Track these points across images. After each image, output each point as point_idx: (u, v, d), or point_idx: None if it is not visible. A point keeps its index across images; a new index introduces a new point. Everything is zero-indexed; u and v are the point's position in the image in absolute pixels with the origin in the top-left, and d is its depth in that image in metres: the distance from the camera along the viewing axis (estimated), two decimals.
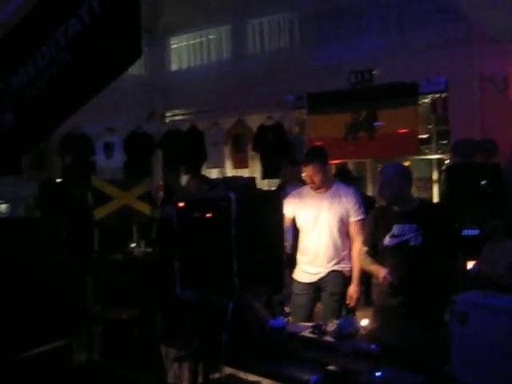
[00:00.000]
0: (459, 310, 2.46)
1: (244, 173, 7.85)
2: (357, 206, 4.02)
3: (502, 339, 2.33)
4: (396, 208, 3.44)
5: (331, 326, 2.99)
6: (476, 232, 5.90)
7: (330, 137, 7.23)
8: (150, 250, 6.78)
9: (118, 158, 8.32)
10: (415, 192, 10.89)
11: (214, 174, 8.05)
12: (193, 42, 8.45)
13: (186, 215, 3.40)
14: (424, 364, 2.56)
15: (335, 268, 3.93)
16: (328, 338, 2.91)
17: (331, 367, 2.60)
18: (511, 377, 2.30)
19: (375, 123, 6.92)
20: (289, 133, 7.46)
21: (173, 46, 8.77)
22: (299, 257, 4.10)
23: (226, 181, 3.42)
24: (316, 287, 4.05)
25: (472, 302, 2.47)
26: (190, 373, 3.46)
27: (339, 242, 4.02)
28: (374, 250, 3.51)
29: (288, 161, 7.01)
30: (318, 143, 7.29)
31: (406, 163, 10.42)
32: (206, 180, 5.64)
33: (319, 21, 7.27)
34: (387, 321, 3.14)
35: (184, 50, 8.65)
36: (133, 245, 6.96)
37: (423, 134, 8.93)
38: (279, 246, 3.35)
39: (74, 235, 6.88)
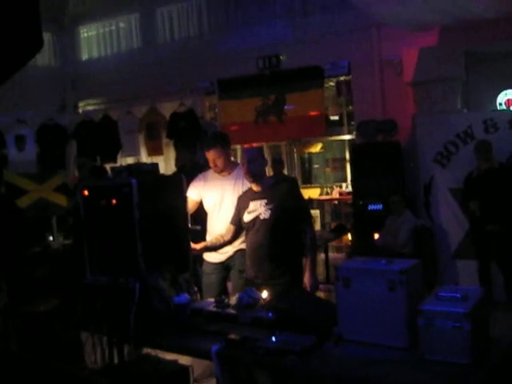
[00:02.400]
0: (342, 275, 2.70)
1: (159, 160, 7.92)
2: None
3: (380, 299, 2.59)
4: (253, 187, 3.78)
5: (233, 299, 3.17)
6: (379, 207, 6.28)
7: (242, 121, 7.44)
8: (68, 241, 6.74)
9: (31, 151, 8.17)
10: (330, 171, 11.36)
11: (129, 161, 8.06)
12: (102, 30, 8.38)
13: (91, 202, 3.48)
14: (315, 327, 2.79)
15: (242, 247, 4.08)
16: (230, 311, 3.09)
17: (231, 336, 2.79)
18: (387, 333, 2.57)
19: (284, 107, 7.15)
20: (201, 119, 7.58)
21: (82, 36, 8.66)
22: (208, 238, 4.24)
23: (129, 168, 3.51)
24: (225, 266, 4.21)
25: (353, 268, 2.72)
26: (105, 355, 3.57)
27: None
28: (242, 227, 3.85)
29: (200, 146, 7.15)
30: (230, 128, 7.49)
31: (320, 145, 10.83)
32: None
33: (227, 7, 7.42)
34: (279, 291, 3.37)
35: (94, 40, 8.57)
36: (51, 237, 6.90)
37: (334, 115, 9.32)
38: (183, 227, 3.50)
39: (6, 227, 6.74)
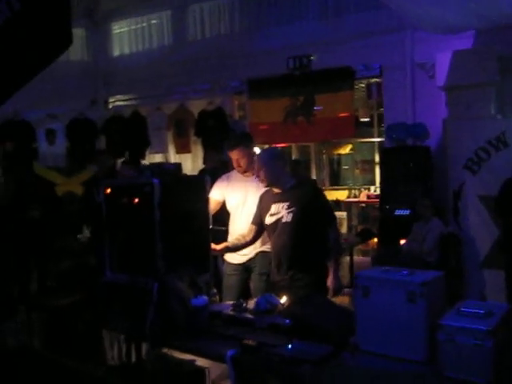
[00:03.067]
0: (361, 284, 2.65)
1: (187, 158, 7.95)
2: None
3: (399, 310, 2.53)
4: (274, 189, 3.75)
5: (251, 303, 3.15)
6: (407, 212, 6.16)
7: (271, 121, 7.39)
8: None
9: (61, 145, 8.28)
10: (359, 174, 11.27)
11: (157, 159, 8.10)
12: (134, 27, 8.43)
13: (112, 201, 3.50)
14: (332, 335, 2.74)
15: (263, 249, 4.07)
16: (247, 315, 3.06)
17: (247, 341, 2.76)
18: (405, 345, 2.50)
19: (313, 108, 7.09)
20: (230, 117, 7.56)
21: (115, 32, 8.73)
22: (229, 238, 4.22)
23: (152, 167, 3.52)
24: (245, 268, 4.19)
25: (373, 277, 2.66)
26: (124, 353, 3.59)
27: None
28: (262, 228, 3.83)
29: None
30: (259, 127, 7.46)
31: (349, 146, 10.73)
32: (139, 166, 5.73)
33: (259, 6, 7.37)
34: (298, 297, 3.32)
35: (126, 36, 8.62)
36: (78, 236, 6.98)
37: (364, 117, 9.22)
38: (204, 228, 3.49)
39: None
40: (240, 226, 4.14)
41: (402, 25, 6.34)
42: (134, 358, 3.50)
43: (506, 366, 2.33)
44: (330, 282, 3.60)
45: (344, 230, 9.49)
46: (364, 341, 2.64)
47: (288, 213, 3.62)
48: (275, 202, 3.71)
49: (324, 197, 3.90)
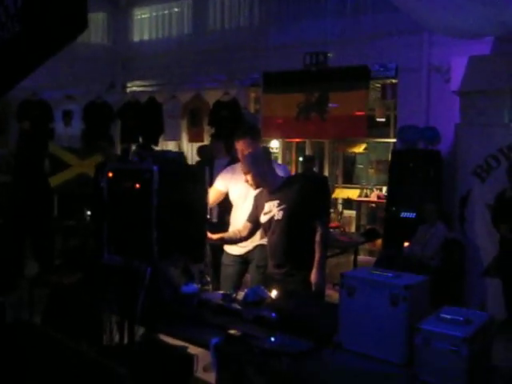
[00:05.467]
0: (347, 284, 2.67)
1: None
2: None
3: (382, 312, 2.55)
4: (267, 188, 3.77)
5: (241, 294, 3.19)
6: (412, 215, 6.16)
7: (284, 116, 7.41)
8: None
9: (77, 126, 8.39)
10: (373, 173, 11.23)
11: (170, 146, 8.17)
12: (155, 14, 8.48)
13: (114, 185, 3.55)
14: (316, 331, 2.78)
15: (262, 242, 4.09)
16: (235, 306, 3.11)
17: (232, 331, 2.80)
18: (385, 346, 2.53)
19: (327, 105, 7.09)
20: (244, 110, 7.59)
21: (136, 18, 8.79)
22: (230, 229, 4.26)
23: (154, 154, 3.56)
24: (244, 259, 4.23)
25: (359, 277, 2.68)
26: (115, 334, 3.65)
27: None
28: (258, 225, 3.86)
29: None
30: (272, 122, 7.49)
31: (363, 145, 10.71)
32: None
33: (278, 1, 7.38)
34: (280, 290, 3.36)
35: (147, 22, 8.68)
36: (88, 212, 7.08)
37: (381, 117, 9.19)
38: (201, 218, 3.51)
39: (30, 200, 6.98)
40: (241, 217, 4.15)
41: (419, 27, 6.30)
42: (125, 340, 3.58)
43: (481, 375, 2.34)
44: (312, 276, 3.61)
45: (353, 229, 9.52)
46: (346, 339, 2.67)
47: (279, 210, 3.65)
48: (267, 201, 3.74)
49: (316, 193, 3.91)
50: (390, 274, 2.65)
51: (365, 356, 2.57)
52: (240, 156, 4.17)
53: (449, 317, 2.39)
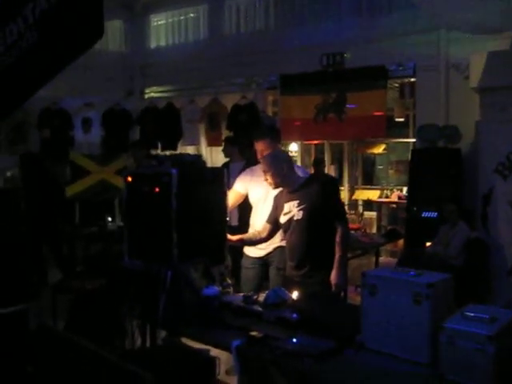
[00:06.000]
0: (369, 283, 2.65)
1: (218, 151, 8.00)
2: None
3: (405, 311, 2.52)
4: (286, 189, 3.78)
5: (262, 296, 3.18)
6: (434, 215, 6.09)
7: (302, 118, 7.39)
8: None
9: (96, 133, 8.46)
10: (393, 174, 11.13)
11: (189, 150, 8.19)
12: (171, 20, 8.53)
13: (133, 189, 3.57)
14: (338, 332, 2.76)
15: (282, 244, 4.08)
16: (256, 307, 3.10)
17: (253, 333, 2.79)
18: (409, 346, 2.49)
19: (345, 105, 7.05)
20: (262, 113, 7.59)
21: (153, 24, 8.85)
22: (250, 230, 4.25)
23: (173, 157, 3.57)
24: (263, 261, 4.22)
25: (380, 276, 2.66)
26: (136, 338, 3.66)
27: None
28: (278, 227, 3.87)
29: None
30: (290, 124, 7.47)
31: (383, 146, 10.63)
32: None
33: (293, 3, 7.37)
34: (307, 292, 3.34)
35: (163, 28, 8.74)
36: (110, 218, 7.13)
37: (400, 117, 9.12)
38: (221, 220, 3.52)
39: (49, 208, 7.06)
40: (261, 219, 4.15)
41: (436, 24, 6.24)
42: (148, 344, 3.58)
43: (509, 372, 2.30)
44: (332, 277, 3.59)
45: (374, 230, 9.45)
46: (369, 339, 2.64)
47: (299, 210, 3.65)
48: (287, 201, 3.74)
49: (335, 194, 3.87)
50: (412, 273, 2.63)
51: (388, 355, 2.55)
52: (259, 156, 4.17)
53: (473, 315, 2.36)
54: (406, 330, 2.51)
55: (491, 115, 5.90)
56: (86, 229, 7.17)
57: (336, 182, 4.60)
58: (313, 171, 8.26)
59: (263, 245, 4.11)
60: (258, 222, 4.15)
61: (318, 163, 7.85)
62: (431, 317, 2.44)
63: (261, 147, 4.12)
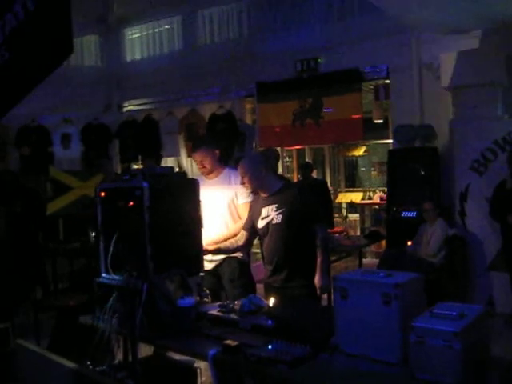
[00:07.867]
0: (340, 286, 2.67)
1: None
2: (244, 189, 3.98)
3: (375, 312, 2.55)
4: (263, 193, 3.77)
5: (237, 304, 3.19)
6: (413, 214, 6.14)
7: (280, 124, 7.44)
8: None
9: (76, 149, 8.45)
10: (376, 175, 11.20)
11: (169, 162, 8.21)
12: (145, 32, 8.56)
13: (107, 204, 3.58)
14: (313, 337, 2.77)
15: (231, 255, 4.04)
16: (232, 316, 3.11)
17: (228, 341, 2.80)
18: (381, 346, 2.52)
19: (321, 110, 7.11)
20: (240, 121, 7.62)
21: (128, 37, 8.87)
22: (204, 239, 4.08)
23: (144, 170, 3.58)
24: (213, 274, 4.11)
25: (350, 279, 2.68)
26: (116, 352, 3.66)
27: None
28: (255, 233, 3.86)
29: (239, 148, 7.29)
30: (268, 131, 7.52)
31: (363, 148, 10.71)
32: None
33: (266, 10, 7.43)
34: (280, 298, 3.35)
35: (138, 41, 8.75)
36: (93, 233, 7.11)
37: (378, 119, 9.19)
38: (195, 230, 3.53)
39: (30, 225, 7.02)
40: (212, 227, 3.98)
41: (407, 26, 6.31)
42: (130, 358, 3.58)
43: (478, 367, 2.33)
44: (316, 280, 3.61)
45: (358, 232, 9.50)
46: (343, 342, 2.66)
47: (277, 214, 3.66)
48: (264, 206, 3.74)
49: (312, 198, 3.89)
50: (381, 274, 2.65)
51: (362, 357, 2.56)
52: (199, 167, 4.18)
53: (441, 312, 2.38)
54: (377, 330, 2.53)
55: (464, 113, 5.98)
56: (69, 245, 7.15)
57: (326, 185, 4.60)
58: (300, 176, 8.31)
59: (209, 257, 3.96)
60: (207, 232, 3.82)
61: (306, 168, 7.86)
62: (400, 317, 2.46)
63: (199, 157, 4.13)
